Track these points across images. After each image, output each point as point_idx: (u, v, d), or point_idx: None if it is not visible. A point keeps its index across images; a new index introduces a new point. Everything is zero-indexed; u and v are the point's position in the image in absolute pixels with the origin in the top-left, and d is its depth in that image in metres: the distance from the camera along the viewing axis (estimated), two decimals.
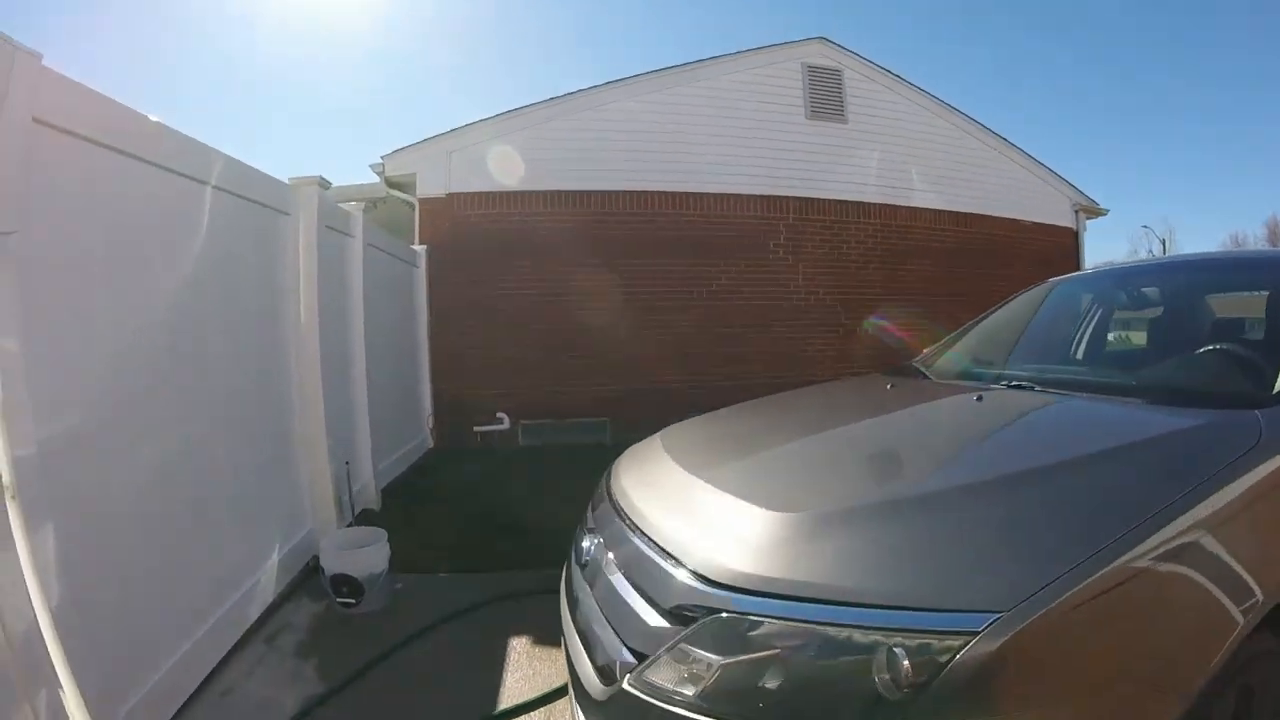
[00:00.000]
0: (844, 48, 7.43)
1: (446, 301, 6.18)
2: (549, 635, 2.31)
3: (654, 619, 1.16)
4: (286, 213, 3.13)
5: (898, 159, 7.49)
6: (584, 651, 1.34)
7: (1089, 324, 2.60)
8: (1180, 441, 1.36)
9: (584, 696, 1.28)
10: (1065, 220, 8.76)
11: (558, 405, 6.39)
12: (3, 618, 1.38)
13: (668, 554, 1.25)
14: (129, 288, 1.98)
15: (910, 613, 0.95)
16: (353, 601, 2.62)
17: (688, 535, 1.28)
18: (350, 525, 3.36)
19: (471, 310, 6.25)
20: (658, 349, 6.56)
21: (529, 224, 6.38)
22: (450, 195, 6.31)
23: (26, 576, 1.44)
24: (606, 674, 1.22)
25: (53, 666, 1.49)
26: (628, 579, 1.32)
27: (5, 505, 1.41)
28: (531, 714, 2.01)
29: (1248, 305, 2.17)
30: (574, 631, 1.44)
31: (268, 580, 2.65)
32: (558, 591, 1.70)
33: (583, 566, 1.55)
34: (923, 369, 2.48)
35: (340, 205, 3.97)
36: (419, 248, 6.13)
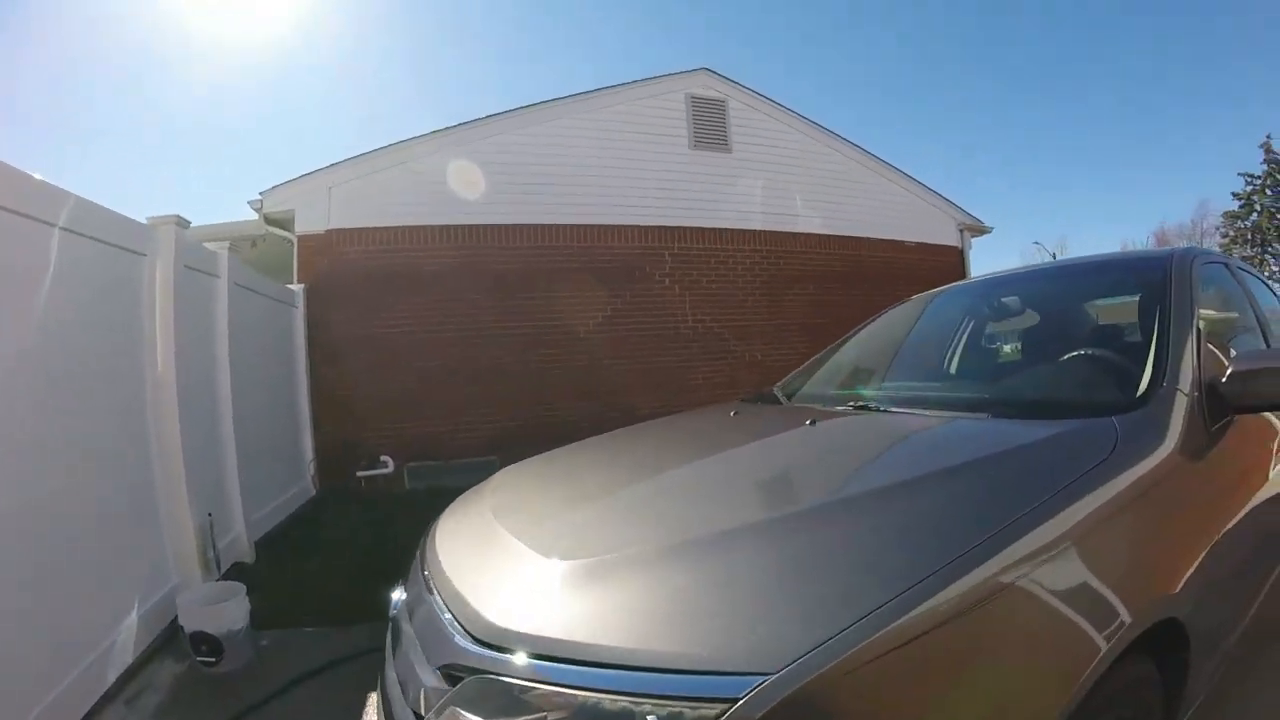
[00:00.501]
0: (728, 78, 7.68)
1: (327, 342, 5.96)
2: None
3: (430, 678, 1.06)
4: (143, 254, 3.01)
5: (781, 186, 7.74)
6: (382, 711, 1.25)
7: (959, 338, 2.52)
8: (1025, 456, 1.25)
9: None
10: (950, 239, 9.07)
11: (444, 445, 6.22)
12: None
13: (445, 607, 1.16)
14: None
15: (669, 676, 0.83)
16: (213, 660, 2.51)
17: (469, 586, 1.18)
18: (220, 579, 3.19)
19: (353, 350, 6.03)
20: (546, 382, 6.56)
21: (413, 260, 6.29)
22: (330, 231, 6.13)
23: None
24: None
25: None
26: (416, 634, 1.22)
27: None
28: None
29: (1118, 311, 2.08)
30: (386, 688, 1.34)
31: (126, 639, 2.48)
32: None
33: (391, 622, 1.45)
34: (778, 394, 2.44)
35: (205, 244, 3.83)
36: (296, 287, 5.90)
